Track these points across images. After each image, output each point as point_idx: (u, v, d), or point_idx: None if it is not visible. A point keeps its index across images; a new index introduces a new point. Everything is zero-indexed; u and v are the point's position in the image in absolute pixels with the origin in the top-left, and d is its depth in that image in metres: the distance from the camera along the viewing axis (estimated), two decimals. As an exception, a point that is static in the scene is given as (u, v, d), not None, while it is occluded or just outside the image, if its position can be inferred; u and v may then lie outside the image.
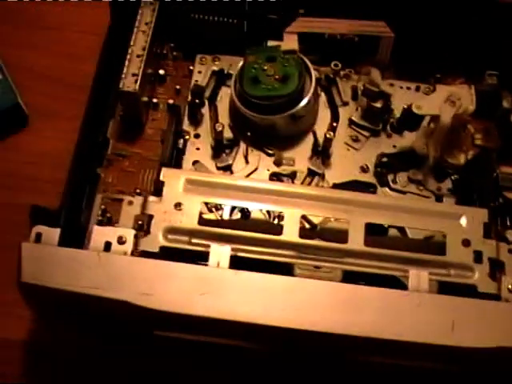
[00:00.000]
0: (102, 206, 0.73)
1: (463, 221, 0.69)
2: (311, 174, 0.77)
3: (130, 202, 0.69)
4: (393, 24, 0.79)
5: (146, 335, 0.69)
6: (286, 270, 0.67)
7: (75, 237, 0.68)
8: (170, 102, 0.80)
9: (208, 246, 0.66)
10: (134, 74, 0.75)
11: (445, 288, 0.67)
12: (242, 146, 0.78)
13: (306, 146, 0.78)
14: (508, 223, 0.77)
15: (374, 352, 0.66)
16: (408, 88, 0.83)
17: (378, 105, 0.78)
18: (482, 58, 0.83)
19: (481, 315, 0.63)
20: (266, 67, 0.76)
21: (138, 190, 0.75)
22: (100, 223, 0.71)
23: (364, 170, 0.78)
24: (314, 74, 0.78)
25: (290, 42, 0.77)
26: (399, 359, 0.68)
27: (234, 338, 0.68)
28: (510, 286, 0.67)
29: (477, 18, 0.81)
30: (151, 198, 0.68)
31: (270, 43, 0.79)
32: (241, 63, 0.78)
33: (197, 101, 0.77)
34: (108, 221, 0.72)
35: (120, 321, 0.67)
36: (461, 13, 0.81)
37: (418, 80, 0.84)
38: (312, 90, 0.77)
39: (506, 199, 0.76)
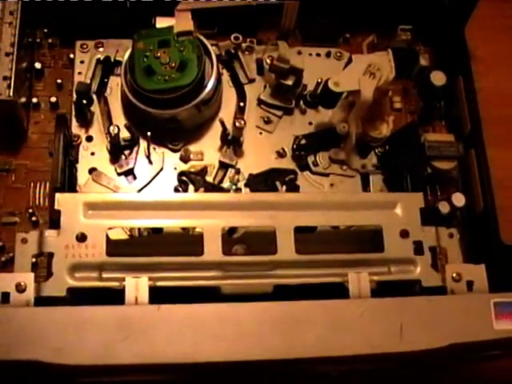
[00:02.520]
0: (-9, 236, 0.64)
1: (398, 210, 0.63)
2: (223, 166, 0.70)
3: (24, 240, 0.59)
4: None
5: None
6: (211, 291, 0.60)
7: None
8: (53, 99, 0.70)
9: (122, 280, 0.58)
10: (5, 78, 0.64)
11: (387, 286, 0.62)
12: (143, 144, 0.69)
13: (214, 136, 0.70)
14: (438, 193, 0.72)
15: (320, 365, 0.61)
16: (318, 55, 0.75)
17: (289, 82, 0.70)
18: (393, 10, 0.76)
19: (428, 313, 0.58)
20: (159, 54, 0.66)
21: (30, 210, 0.66)
22: (-6, 256, 0.63)
23: (281, 154, 0.71)
24: (213, 53, 0.68)
25: (183, 22, 0.67)
26: (347, 366, 0.63)
27: (166, 375, 0.61)
28: (454, 275, 0.62)
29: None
30: (48, 232, 0.59)
31: (160, 21, 0.69)
32: (129, 51, 0.67)
33: (83, 101, 0.67)
34: (0, 250, 0.64)
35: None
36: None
37: (327, 42, 0.76)
38: (215, 74, 0.68)
39: (435, 168, 0.70)
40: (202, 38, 0.69)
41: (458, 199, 0.70)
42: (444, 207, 0.69)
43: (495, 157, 0.73)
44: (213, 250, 0.60)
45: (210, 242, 0.60)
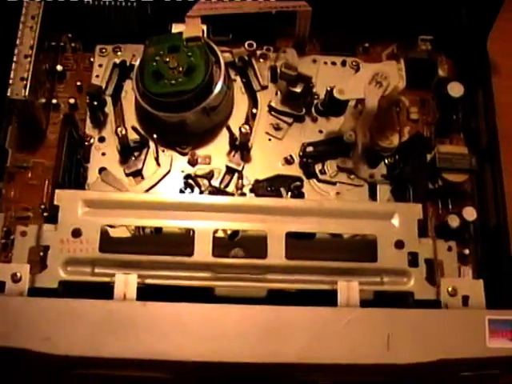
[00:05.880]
0: (5, 228, 0.67)
1: (395, 220, 0.62)
2: (230, 171, 0.70)
3: (23, 233, 0.61)
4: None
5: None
6: (204, 292, 0.61)
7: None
8: (71, 101, 0.73)
9: (113, 276, 0.59)
10: (22, 79, 0.67)
11: (379, 297, 0.61)
12: (152, 146, 0.70)
13: (223, 141, 0.71)
14: (450, 206, 0.71)
15: (305, 374, 0.61)
16: (333, 63, 0.75)
17: (298, 89, 0.70)
18: (414, 21, 0.76)
19: (418, 326, 0.58)
20: (168, 59, 0.67)
21: (43, 206, 0.69)
22: (4, 247, 0.66)
23: (288, 161, 0.71)
24: (222, 60, 0.70)
25: (192, 28, 0.68)
26: (335, 377, 0.63)
27: (151, 371, 0.62)
28: (449, 289, 0.61)
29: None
30: (46, 227, 0.61)
31: (176, 28, 0.71)
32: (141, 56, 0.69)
33: (95, 102, 0.69)
34: (13, 243, 0.65)
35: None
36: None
37: (346, 52, 0.76)
38: (222, 78, 0.69)
39: (446, 181, 0.69)
40: (211, 43, 0.70)
41: (469, 213, 0.68)
42: (453, 221, 0.68)
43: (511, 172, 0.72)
44: (203, 251, 0.61)
45: (201, 243, 0.61)
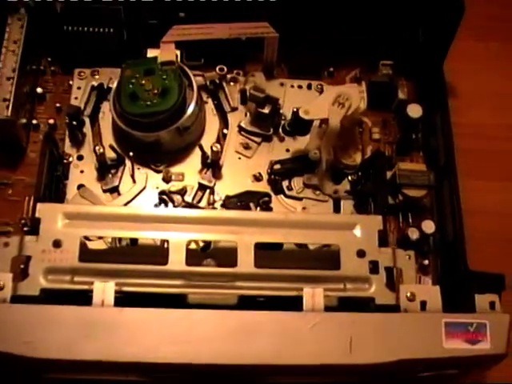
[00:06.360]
0: (-14, 243, 0.70)
1: (357, 231, 0.66)
2: (202, 187, 0.74)
3: (6, 244, 0.64)
4: (277, 22, 0.74)
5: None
6: (177, 298, 0.64)
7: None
8: (51, 121, 0.76)
9: (91, 284, 0.63)
10: (5, 99, 0.71)
11: (343, 303, 0.65)
12: (128, 164, 0.74)
13: (195, 159, 0.75)
14: (410, 220, 0.75)
15: (275, 375, 0.64)
16: (299, 87, 0.80)
17: (266, 110, 0.74)
18: (376, 47, 0.81)
19: (379, 329, 0.61)
20: (143, 81, 0.71)
21: (23, 221, 0.72)
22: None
23: (257, 178, 0.75)
24: (195, 82, 0.74)
25: (167, 53, 0.72)
26: (303, 378, 0.66)
27: (127, 374, 0.65)
28: (408, 294, 0.64)
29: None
30: (28, 238, 0.64)
31: (150, 52, 0.75)
32: (118, 79, 0.73)
33: (74, 122, 0.73)
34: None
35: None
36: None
37: (312, 75, 0.81)
38: (195, 100, 0.73)
39: (406, 196, 0.73)
40: (185, 67, 0.74)
41: (428, 226, 0.73)
42: (413, 233, 0.72)
43: (469, 188, 0.76)
44: (177, 260, 0.64)
45: (175, 252, 0.64)
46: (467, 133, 0.80)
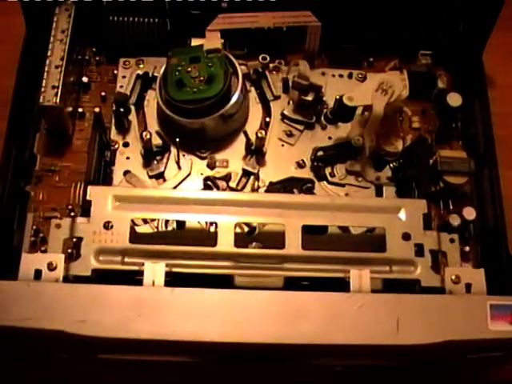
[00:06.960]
0: (34, 227, 0.71)
1: (402, 214, 0.67)
2: (246, 174, 0.75)
3: (58, 225, 0.66)
4: (319, 12, 0.76)
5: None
6: (225, 281, 0.65)
7: (8, 263, 0.66)
8: (96, 110, 0.77)
9: (142, 265, 0.64)
10: (53, 87, 0.72)
11: (389, 285, 0.66)
12: (173, 151, 0.75)
13: (239, 146, 0.76)
14: (451, 207, 0.76)
15: (320, 356, 0.65)
16: (340, 76, 0.80)
17: (309, 98, 0.75)
18: (415, 37, 0.82)
19: (425, 310, 0.62)
20: (189, 69, 0.73)
21: (70, 206, 0.73)
22: (33, 244, 0.70)
23: (300, 165, 0.76)
24: (240, 70, 0.75)
25: (212, 41, 0.74)
26: (348, 360, 0.67)
27: (177, 355, 0.66)
28: (453, 277, 0.65)
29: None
30: (79, 220, 0.66)
31: (194, 41, 0.76)
32: (164, 66, 0.75)
33: (121, 109, 0.74)
34: (42, 241, 0.70)
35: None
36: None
37: (352, 66, 0.82)
38: (240, 88, 0.74)
39: (446, 183, 0.74)
40: (230, 56, 0.75)
41: (469, 213, 0.73)
42: (455, 220, 0.73)
43: (508, 176, 0.77)
44: (225, 242, 0.65)
45: (224, 234, 0.65)
46: (503, 123, 0.80)
